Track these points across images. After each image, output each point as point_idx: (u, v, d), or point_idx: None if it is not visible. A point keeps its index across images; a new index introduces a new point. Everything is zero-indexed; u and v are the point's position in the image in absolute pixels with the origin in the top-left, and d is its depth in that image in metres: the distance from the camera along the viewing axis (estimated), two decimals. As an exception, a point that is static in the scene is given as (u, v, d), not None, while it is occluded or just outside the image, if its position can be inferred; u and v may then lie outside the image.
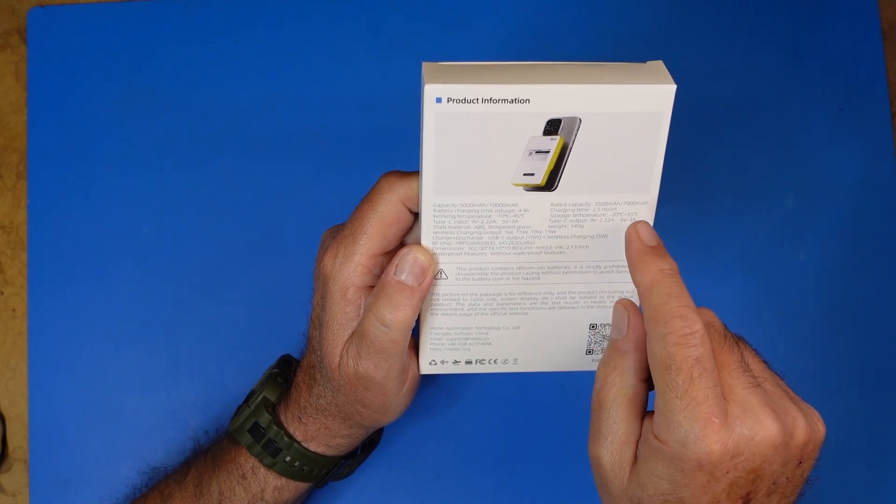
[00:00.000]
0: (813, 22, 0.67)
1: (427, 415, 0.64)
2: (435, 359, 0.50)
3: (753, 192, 0.66)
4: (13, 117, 0.67)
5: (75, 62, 0.67)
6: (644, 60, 0.45)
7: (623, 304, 0.43)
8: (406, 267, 0.46)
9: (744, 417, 0.39)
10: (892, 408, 0.65)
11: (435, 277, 0.47)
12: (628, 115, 0.43)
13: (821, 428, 0.42)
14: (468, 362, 0.51)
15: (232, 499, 0.53)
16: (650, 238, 0.42)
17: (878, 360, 0.65)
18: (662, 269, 0.41)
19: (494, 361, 0.51)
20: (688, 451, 0.38)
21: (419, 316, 0.48)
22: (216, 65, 0.67)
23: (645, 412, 0.43)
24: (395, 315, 0.46)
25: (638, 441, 0.42)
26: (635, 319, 0.42)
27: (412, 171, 0.47)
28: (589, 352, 0.51)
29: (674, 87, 0.43)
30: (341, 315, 0.48)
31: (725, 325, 0.43)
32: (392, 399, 0.50)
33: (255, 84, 0.67)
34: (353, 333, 0.48)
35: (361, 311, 0.48)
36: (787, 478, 0.41)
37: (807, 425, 0.41)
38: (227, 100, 0.67)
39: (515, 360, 0.51)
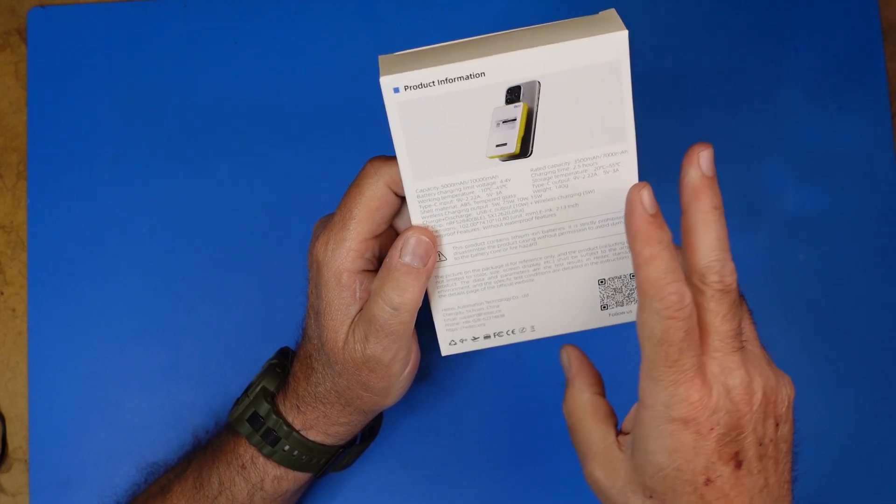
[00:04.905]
0: (813, 22, 0.67)
1: (425, 412, 0.64)
2: (454, 339, 0.50)
3: (753, 192, 0.66)
4: (13, 117, 0.67)
5: (75, 62, 0.67)
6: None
7: (563, 349, 0.50)
8: (410, 249, 0.46)
9: (721, 375, 0.43)
10: (894, 407, 0.65)
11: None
12: (585, 69, 0.43)
13: (790, 390, 0.46)
14: (486, 337, 0.51)
15: (232, 489, 0.53)
16: (651, 205, 0.42)
17: (879, 359, 0.65)
18: (661, 241, 0.42)
19: (512, 332, 0.51)
20: (672, 410, 0.42)
21: (429, 300, 0.49)
22: (216, 65, 0.67)
23: (612, 419, 0.48)
24: (404, 297, 0.46)
25: (616, 442, 0.46)
26: (574, 353, 0.50)
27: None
28: (604, 307, 0.50)
29: (625, 32, 0.43)
30: (337, 301, 0.48)
31: (738, 289, 0.46)
32: (395, 381, 0.50)
33: (255, 84, 0.67)
34: (358, 318, 0.48)
35: (357, 295, 0.48)
36: (771, 439, 0.44)
37: (776, 384, 0.44)
38: (227, 100, 0.67)
39: (532, 327, 0.51)
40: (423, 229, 0.47)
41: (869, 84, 0.67)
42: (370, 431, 0.59)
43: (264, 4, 0.68)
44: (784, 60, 0.67)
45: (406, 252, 0.46)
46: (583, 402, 0.48)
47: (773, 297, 0.65)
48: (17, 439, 0.65)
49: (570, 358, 0.49)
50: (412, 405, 0.64)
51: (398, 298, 0.46)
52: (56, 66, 0.67)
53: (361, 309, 0.49)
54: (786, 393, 0.45)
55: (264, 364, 0.56)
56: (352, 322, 0.49)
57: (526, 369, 0.65)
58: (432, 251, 0.47)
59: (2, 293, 0.66)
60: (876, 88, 0.67)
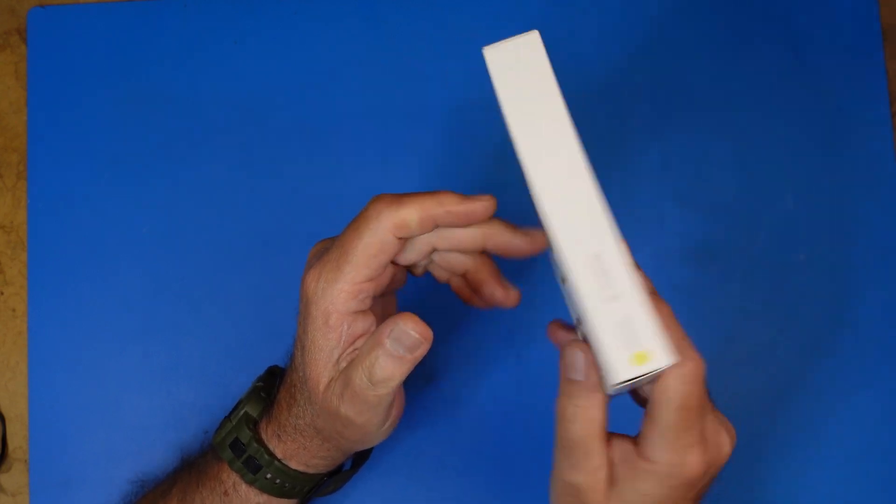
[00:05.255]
0: (813, 22, 0.67)
1: (425, 413, 0.64)
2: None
3: (753, 192, 0.66)
4: (13, 117, 0.67)
5: (75, 62, 0.67)
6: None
7: (578, 347, 0.43)
8: (400, 337, 0.45)
9: (713, 440, 0.44)
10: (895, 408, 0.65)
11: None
12: None
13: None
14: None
15: None
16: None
17: (879, 360, 0.65)
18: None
19: None
20: (682, 471, 0.42)
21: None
22: (216, 65, 0.67)
23: (608, 438, 0.45)
24: (384, 375, 0.45)
25: (610, 464, 0.44)
26: (593, 359, 0.43)
27: (405, 193, 0.46)
28: None
29: None
30: (322, 340, 0.46)
31: None
32: (372, 435, 0.49)
33: (255, 84, 0.67)
34: (341, 372, 0.47)
35: (342, 338, 0.46)
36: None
37: (734, 437, 0.46)
38: (227, 100, 0.67)
39: None
40: (417, 322, 0.44)
41: (869, 84, 0.67)
42: (360, 457, 0.58)
43: (264, 4, 0.68)
44: (784, 60, 0.67)
45: (396, 338, 0.45)
46: (595, 419, 0.43)
47: (773, 297, 0.65)
48: (17, 439, 0.65)
49: (585, 358, 0.43)
50: (411, 406, 0.64)
51: (379, 374, 0.45)
52: (56, 66, 0.67)
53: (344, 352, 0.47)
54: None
55: (251, 384, 0.55)
56: (335, 365, 0.47)
57: (526, 369, 0.65)
58: (422, 345, 0.45)
59: (2, 293, 0.66)
60: (876, 88, 0.67)
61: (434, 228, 0.46)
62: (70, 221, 0.66)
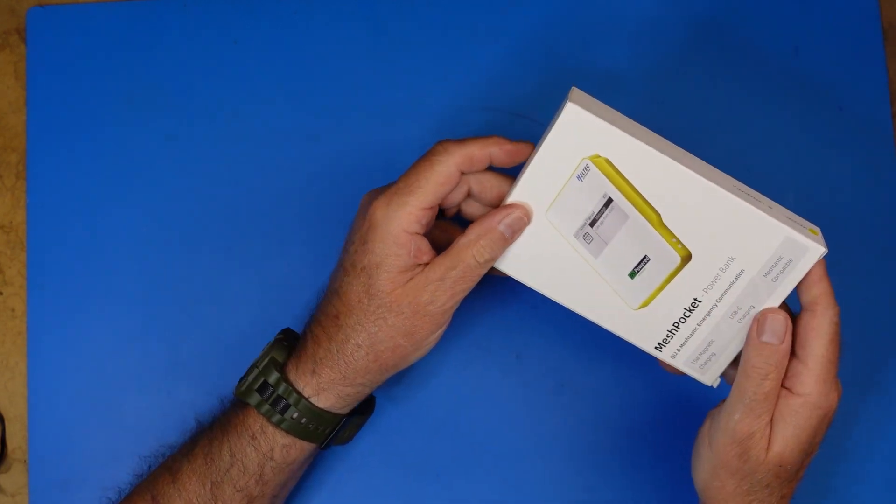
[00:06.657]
0: (813, 22, 0.68)
1: (426, 412, 0.64)
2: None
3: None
4: (13, 117, 0.67)
5: (75, 62, 0.67)
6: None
7: (782, 315, 0.52)
8: (510, 221, 0.53)
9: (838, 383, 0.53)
10: (894, 408, 0.65)
11: None
12: None
13: None
14: None
15: (243, 460, 0.54)
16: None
17: (878, 360, 0.65)
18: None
19: None
20: (827, 401, 0.52)
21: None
22: (216, 65, 0.67)
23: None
24: (491, 255, 0.53)
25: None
26: (791, 326, 0.53)
27: (464, 139, 0.54)
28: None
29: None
30: (394, 256, 0.52)
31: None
32: (435, 332, 0.54)
33: (255, 84, 0.67)
34: (431, 266, 0.53)
35: (412, 253, 0.52)
36: None
37: (841, 391, 0.55)
38: (227, 100, 0.67)
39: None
40: (527, 209, 0.53)
41: (869, 84, 0.67)
42: (367, 406, 0.60)
43: (264, 4, 0.68)
44: (784, 60, 0.67)
45: (506, 222, 0.52)
46: (782, 377, 0.53)
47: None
48: (17, 439, 0.65)
49: (787, 325, 0.52)
50: (413, 405, 0.64)
51: (488, 255, 0.52)
52: (55, 66, 0.67)
53: (420, 264, 0.53)
54: None
55: (269, 342, 0.57)
56: (407, 273, 0.53)
57: (526, 369, 0.65)
58: (523, 231, 0.53)
59: (1, 293, 0.66)
60: (876, 88, 0.67)
61: (487, 166, 0.54)
62: (69, 221, 0.66)
